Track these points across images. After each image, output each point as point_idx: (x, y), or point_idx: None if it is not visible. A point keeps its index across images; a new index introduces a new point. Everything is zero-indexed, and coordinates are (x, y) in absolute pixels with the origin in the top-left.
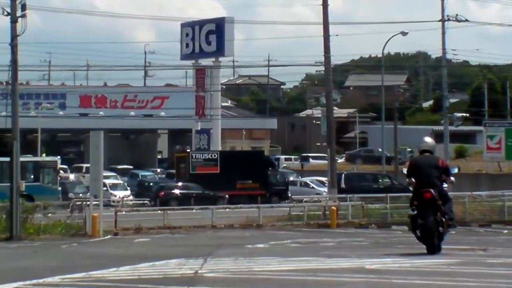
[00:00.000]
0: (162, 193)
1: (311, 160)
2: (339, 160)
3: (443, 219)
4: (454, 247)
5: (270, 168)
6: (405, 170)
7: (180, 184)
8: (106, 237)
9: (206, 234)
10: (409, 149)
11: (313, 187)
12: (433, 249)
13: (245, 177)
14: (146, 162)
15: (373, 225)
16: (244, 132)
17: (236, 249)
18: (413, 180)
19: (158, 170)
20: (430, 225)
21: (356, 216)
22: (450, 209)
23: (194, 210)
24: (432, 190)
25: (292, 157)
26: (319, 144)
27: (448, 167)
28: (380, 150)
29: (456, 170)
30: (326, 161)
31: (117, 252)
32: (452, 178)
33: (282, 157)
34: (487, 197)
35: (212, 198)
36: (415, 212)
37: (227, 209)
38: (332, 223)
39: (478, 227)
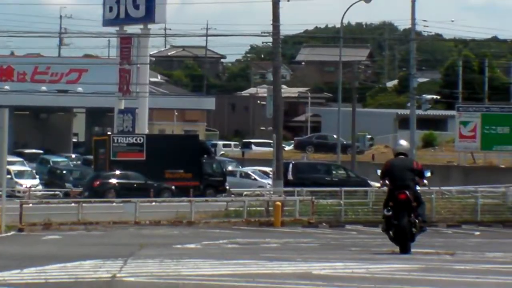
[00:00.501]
0: (98, 182)
1: (253, 147)
2: (287, 148)
3: (416, 221)
4: (417, 251)
5: (205, 156)
6: (379, 172)
7: (118, 172)
8: (9, 234)
9: (127, 232)
10: (369, 136)
11: (255, 179)
12: (406, 249)
13: (175, 165)
14: (59, 146)
15: (324, 224)
16: (176, 113)
17: (163, 249)
18: (387, 182)
19: (73, 155)
20: (404, 226)
21: (304, 213)
22: (423, 212)
23: (114, 204)
24: (407, 192)
25: (232, 143)
26: (263, 128)
27: (422, 169)
28: (335, 136)
29: (429, 174)
30: (271, 149)
31: (22, 251)
32: (425, 181)
33: (220, 143)
34: (458, 193)
35: (155, 189)
36: (390, 213)
37: (153, 203)
38: (276, 221)
39: (446, 227)
